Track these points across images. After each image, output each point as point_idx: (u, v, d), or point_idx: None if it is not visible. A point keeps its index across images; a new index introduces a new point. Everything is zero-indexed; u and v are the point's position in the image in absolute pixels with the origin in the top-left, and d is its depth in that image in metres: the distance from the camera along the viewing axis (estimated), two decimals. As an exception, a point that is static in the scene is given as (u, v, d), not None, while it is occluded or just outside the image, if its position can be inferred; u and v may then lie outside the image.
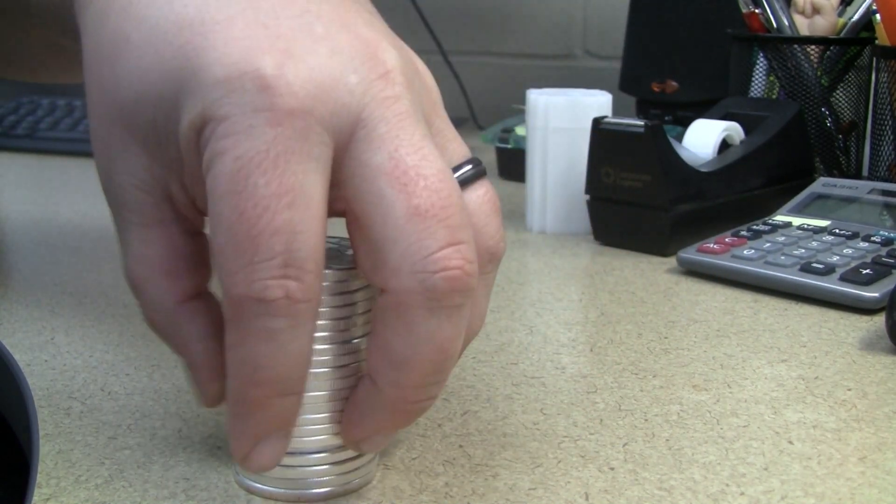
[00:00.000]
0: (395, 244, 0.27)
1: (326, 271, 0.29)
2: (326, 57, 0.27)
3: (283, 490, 0.31)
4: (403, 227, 0.26)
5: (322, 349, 0.29)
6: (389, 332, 0.28)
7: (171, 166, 0.29)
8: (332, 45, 0.27)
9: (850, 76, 0.73)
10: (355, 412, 0.30)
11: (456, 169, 0.30)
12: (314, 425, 0.30)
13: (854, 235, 0.57)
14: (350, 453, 0.31)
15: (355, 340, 0.30)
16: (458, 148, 0.31)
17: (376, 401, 0.29)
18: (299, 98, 0.26)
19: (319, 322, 0.29)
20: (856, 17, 0.73)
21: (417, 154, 0.27)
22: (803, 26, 0.74)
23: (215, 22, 0.27)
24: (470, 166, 0.30)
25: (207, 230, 0.29)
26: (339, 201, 0.28)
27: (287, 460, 0.30)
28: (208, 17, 0.27)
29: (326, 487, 0.31)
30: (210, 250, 0.28)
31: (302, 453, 0.30)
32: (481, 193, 0.30)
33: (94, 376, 0.41)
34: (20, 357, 0.43)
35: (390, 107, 0.27)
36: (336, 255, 0.31)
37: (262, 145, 0.25)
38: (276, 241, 0.25)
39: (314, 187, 0.26)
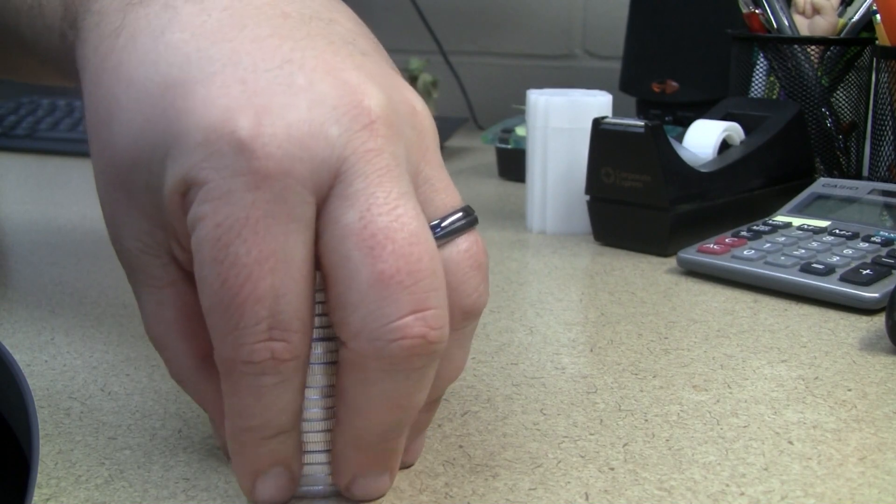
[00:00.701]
0: (356, 308, 0.26)
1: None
2: (306, 110, 0.26)
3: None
4: (366, 293, 0.26)
5: (330, 343, 0.29)
6: (347, 382, 0.28)
7: (169, 229, 0.29)
8: (313, 96, 0.27)
9: (850, 76, 0.73)
10: (334, 454, 0.30)
11: (442, 219, 0.29)
12: (312, 421, 0.30)
13: (854, 236, 0.57)
14: None
15: None
16: (447, 198, 0.29)
17: (343, 440, 0.29)
18: (276, 159, 0.26)
19: (326, 317, 0.29)
20: (856, 17, 0.73)
21: (390, 215, 0.26)
22: (803, 27, 0.74)
23: (196, 82, 0.27)
24: (458, 215, 0.29)
25: None
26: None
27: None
28: (190, 76, 0.27)
29: (325, 485, 0.31)
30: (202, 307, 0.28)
31: (306, 450, 0.30)
32: (464, 248, 0.29)
33: (94, 376, 0.41)
34: (20, 357, 0.43)
35: (371, 161, 0.26)
36: None
37: (241, 211, 0.25)
38: (259, 308, 0.26)
39: (295, 248, 0.26)
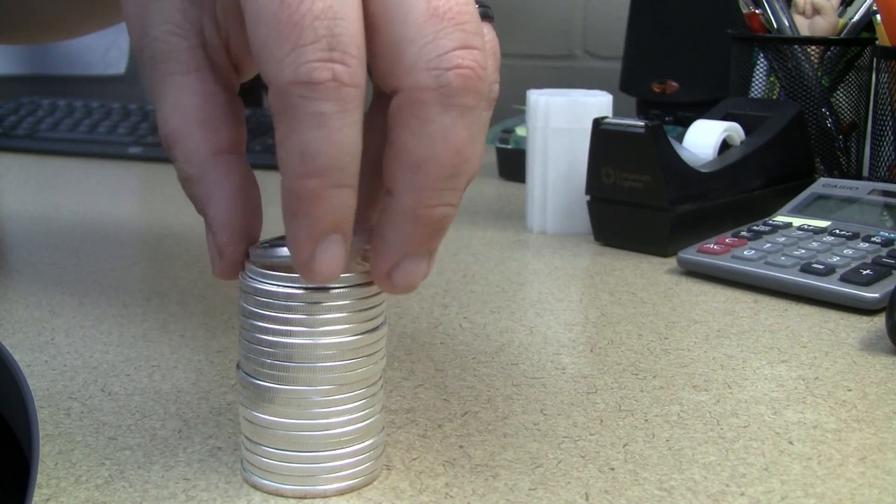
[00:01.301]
0: (411, 43, 0.27)
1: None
2: None
3: (288, 486, 0.31)
4: (421, 27, 0.27)
5: (327, 343, 0.30)
6: (405, 132, 0.28)
7: (203, 3, 0.30)
8: None
9: (850, 77, 0.73)
10: (379, 240, 0.29)
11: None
12: (320, 420, 0.30)
13: (854, 236, 0.57)
14: (355, 449, 0.31)
15: (361, 336, 0.30)
16: None
17: (396, 214, 0.28)
18: None
19: (324, 317, 0.29)
20: (856, 17, 0.73)
21: None
22: (804, 27, 0.74)
23: None
24: (483, 7, 0.31)
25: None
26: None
27: (292, 456, 0.30)
28: None
29: (331, 484, 0.31)
30: (252, 48, 0.27)
31: (307, 450, 0.30)
32: (488, 37, 0.31)
33: (94, 377, 0.41)
34: (20, 358, 0.43)
35: None
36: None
37: None
38: (318, 25, 0.26)
39: None
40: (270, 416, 0.30)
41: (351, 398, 0.30)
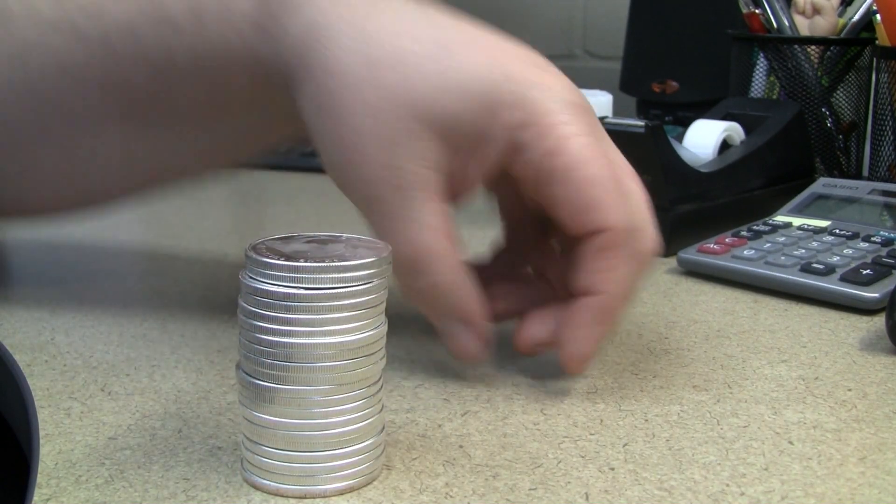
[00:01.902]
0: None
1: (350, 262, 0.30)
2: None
3: (288, 486, 0.31)
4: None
5: (328, 343, 0.30)
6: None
7: (460, 151, 0.36)
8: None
9: (850, 76, 0.73)
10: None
11: None
12: (320, 419, 0.30)
13: (854, 236, 0.57)
14: (355, 450, 0.31)
15: (361, 335, 0.30)
16: None
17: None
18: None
19: (324, 317, 0.29)
20: (856, 17, 0.73)
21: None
22: (804, 27, 0.74)
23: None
24: None
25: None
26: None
27: (292, 456, 0.30)
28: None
29: (332, 484, 0.31)
30: (578, 202, 0.36)
31: (308, 450, 0.30)
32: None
33: (94, 376, 0.41)
34: (20, 357, 0.43)
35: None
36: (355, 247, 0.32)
37: (592, 128, 0.37)
38: (636, 184, 0.38)
39: None
40: (270, 415, 0.30)
41: (351, 398, 0.30)
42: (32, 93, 0.43)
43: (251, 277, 0.30)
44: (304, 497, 0.31)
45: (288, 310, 0.29)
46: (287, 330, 0.29)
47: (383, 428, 0.32)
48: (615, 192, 0.35)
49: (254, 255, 0.30)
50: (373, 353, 0.31)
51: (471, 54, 0.36)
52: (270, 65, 0.38)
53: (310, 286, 0.29)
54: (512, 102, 0.36)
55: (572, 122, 0.36)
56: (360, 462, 0.31)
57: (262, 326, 0.30)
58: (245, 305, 0.30)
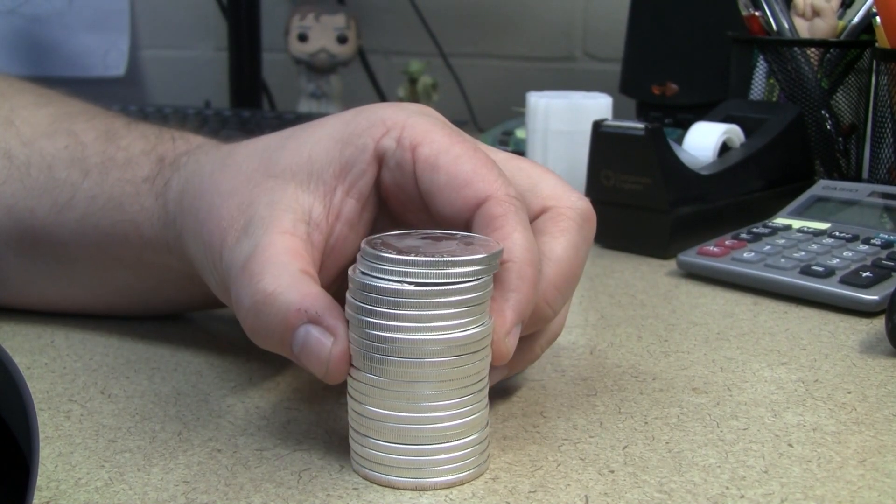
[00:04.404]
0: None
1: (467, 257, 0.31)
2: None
3: (399, 479, 0.31)
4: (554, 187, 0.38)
5: (441, 339, 0.30)
6: (552, 238, 0.37)
7: (321, 187, 0.36)
8: None
9: (850, 79, 0.73)
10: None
11: None
12: (434, 413, 0.31)
13: (854, 238, 0.57)
14: (462, 443, 0.32)
15: (466, 332, 0.31)
16: None
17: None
18: None
19: (433, 313, 0.30)
20: (856, 19, 0.73)
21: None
22: (803, 29, 0.74)
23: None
24: None
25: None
26: None
27: (401, 449, 0.31)
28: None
29: (440, 477, 0.31)
30: (458, 178, 0.35)
31: (415, 443, 0.31)
32: None
33: (93, 379, 0.41)
34: (20, 360, 0.43)
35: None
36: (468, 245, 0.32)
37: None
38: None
39: None
40: (379, 408, 0.31)
41: (457, 393, 0.31)
42: None
43: (361, 272, 0.31)
44: (416, 489, 0.31)
45: (396, 306, 0.30)
46: (395, 326, 0.30)
47: (488, 423, 0.33)
48: (487, 163, 0.35)
49: (367, 248, 0.31)
50: (479, 350, 0.31)
51: (321, 124, 0.38)
52: (156, 218, 0.41)
53: (417, 281, 0.30)
54: (366, 126, 0.36)
55: (428, 122, 0.36)
56: (467, 456, 0.32)
57: (370, 322, 0.31)
58: (354, 301, 0.31)
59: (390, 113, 0.36)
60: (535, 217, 0.37)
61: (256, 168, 0.37)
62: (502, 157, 0.38)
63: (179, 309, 0.49)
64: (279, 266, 0.33)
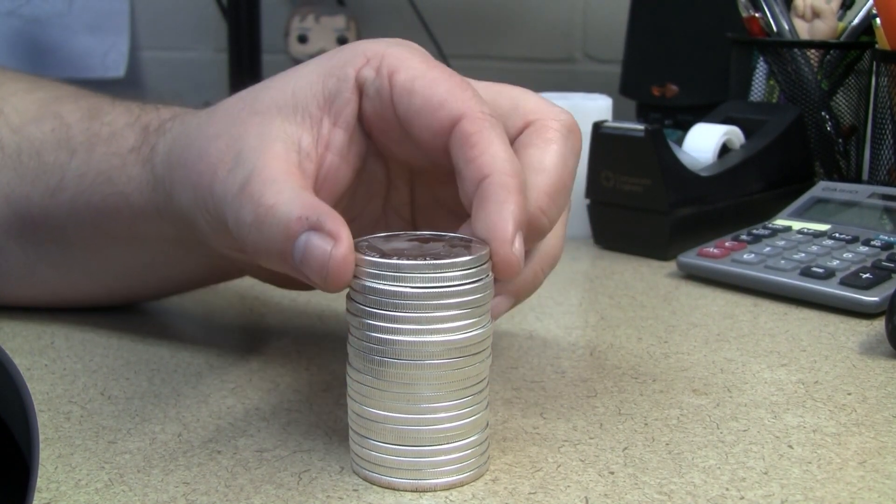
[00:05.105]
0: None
1: (465, 258, 0.31)
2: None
3: (399, 480, 0.31)
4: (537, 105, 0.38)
5: (441, 341, 0.30)
6: (538, 149, 0.37)
7: (307, 120, 0.36)
8: None
9: (850, 80, 0.73)
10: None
11: None
12: (433, 414, 0.31)
13: (854, 239, 0.57)
14: (462, 445, 0.32)
15: (472, 333, 0.31)
16: None
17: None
18: None
19: (432, 315, 0.30)
20: (856, 21, 0.73)
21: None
22: (803, 30, 0.74)
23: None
24: None
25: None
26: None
27: (401, 451, 0.31)
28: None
29: (440, 478, 0.31)
30: (433, 99, 0.35)
31: (415, 444, 0.31)
32: None
33: (93, 380, 0.41)
34: (20, 361, 0.43)
35: None
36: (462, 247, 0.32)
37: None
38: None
39: None
40: (379, 410, 0.31)
41: (457, 395, 0.31)
42: None
43: (359, 276, 0.31)
44: (416, 491, 0.31)
45: (396, 308, 0.30)
46: (395, 328, 0.30)
47: (488, 424, 0.33)
48: (460, 84, 0.35)
49: (361, 255, 0.31)
50: (479, 353, 0.31)
51: (304, 64, 0.38)
52: (144, 185, 0.41)
53: (418, 285, 0.30)
54: (347, 58, 0.36)
55: (406, 51, 0.36)
56: (467, 457, 0.32)
57: (370, 324, 0.31)
58: (354, 303, 0.31)
59: (370, 45, 0.37)
60: (519, 133, 0.37)
61: (242, 108, 0.37)
62: (482, 84, 0.38)
63: (178, 289, 0.49)
64: (279, 183, 0.33)
